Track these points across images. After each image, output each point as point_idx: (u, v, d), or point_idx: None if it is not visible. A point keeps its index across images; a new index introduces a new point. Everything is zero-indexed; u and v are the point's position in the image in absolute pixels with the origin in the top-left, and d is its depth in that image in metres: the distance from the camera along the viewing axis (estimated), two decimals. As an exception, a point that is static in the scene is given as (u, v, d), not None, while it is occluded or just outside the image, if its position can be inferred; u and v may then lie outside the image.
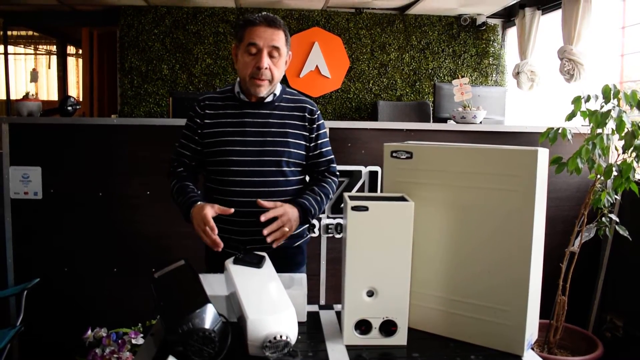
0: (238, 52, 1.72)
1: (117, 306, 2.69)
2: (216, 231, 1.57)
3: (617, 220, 2.33)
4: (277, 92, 1.78)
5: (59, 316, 2.72)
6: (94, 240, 2.74)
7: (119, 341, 2.45)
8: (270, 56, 1.68)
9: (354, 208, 1.32)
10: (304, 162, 1.81)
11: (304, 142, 1.78)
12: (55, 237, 2.72)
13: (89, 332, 2.54)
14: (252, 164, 1.72)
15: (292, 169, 1.77)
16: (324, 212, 1.96)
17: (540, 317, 2.51)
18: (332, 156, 1.86)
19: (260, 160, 1.72)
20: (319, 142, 1.80)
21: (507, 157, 1.32)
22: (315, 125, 1.79)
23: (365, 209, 1.32)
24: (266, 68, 1.66)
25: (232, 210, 1.61)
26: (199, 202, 1.65)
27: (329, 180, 1.83)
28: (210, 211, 1.58)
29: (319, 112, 1.82)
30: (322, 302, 2.81)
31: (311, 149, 1.80)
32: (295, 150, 1.75)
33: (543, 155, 1.31)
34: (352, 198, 1.36)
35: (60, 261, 2.73)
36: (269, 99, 1.76)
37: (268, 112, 1.75)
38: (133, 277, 2.66)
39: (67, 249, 2.73)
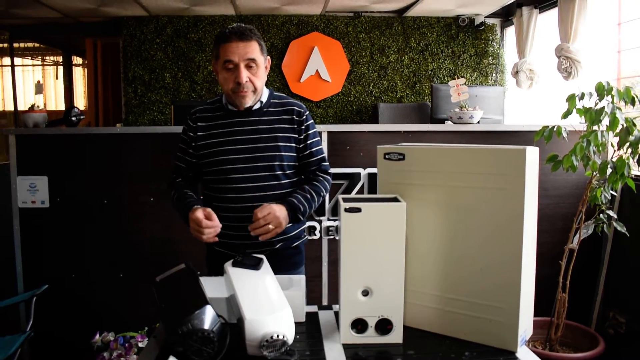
0: (217, 68, 1.76)
1: (124, 310, 2.74)
2: (218, 225, 1.64)
3: (615, 216, 2.34)
4: (264, 98, 1.81)
5: (68, 321, 2.77)
6: (101, 246, 2.79)
7: (126, 345, 2.50)
8: (248, 68, 1.71)
9: (347, 210, 1.35)
10: (297, 164, 1.84)
11: (294, 145, 1.81)
12: (63, 244, 2.77)
13: (97, 336, 2.60)
14: (246, 170, 1.76)
15: (285, 172, 1.80)
16: (315, 209, 1.98)
17: (542, 315, 2.55)
18: (324, 155, 1.88)
19: (254, 167, 1.76)
20: (308, 142, 1.83)
21: (496, 157, 1.35)
22: (303, 127, 1.82)
23: (358, 210, 1.35)
24: (246, 81, 1.70)
25: (218, 221, 1.66)
26: (195, 206, 1.70)
27: (320, 178, 1.85)
28: (201, 213, 1.63)
29: (307, 113, 1.85)
30: (325, 303, 2.84)
31: (301, 150, 1.83)
32: (287, 154, 1.79)
33: (532, 153, 1.34)
34: (345, 200, 1.39)
35: (68, 267, 2.78)
36: (257, 106, 1.80)
37: (257, 119, 1.79)
38: (139, 282, 2.70)
39: (74, 255, 2.78)
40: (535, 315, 2.43)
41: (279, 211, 1.67)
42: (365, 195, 2.66)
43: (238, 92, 1.71)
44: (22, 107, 5.29)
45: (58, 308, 2.75)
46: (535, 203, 1.40)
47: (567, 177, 2.82)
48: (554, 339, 2.48)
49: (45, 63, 7.11)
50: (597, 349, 2.44)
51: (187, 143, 1.84)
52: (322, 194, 1.82)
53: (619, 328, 2.77)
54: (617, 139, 2.20)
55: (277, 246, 1.80)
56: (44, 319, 2.62)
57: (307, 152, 1.84)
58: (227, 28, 1.73)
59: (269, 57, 1.83)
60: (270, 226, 1.64)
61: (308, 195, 1.77)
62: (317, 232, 2.82)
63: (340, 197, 1.43)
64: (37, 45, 6.37)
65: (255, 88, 1.73)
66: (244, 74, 1.69)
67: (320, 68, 4.89)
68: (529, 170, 1.32)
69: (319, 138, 1.89)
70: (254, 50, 1.71)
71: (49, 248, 2.77)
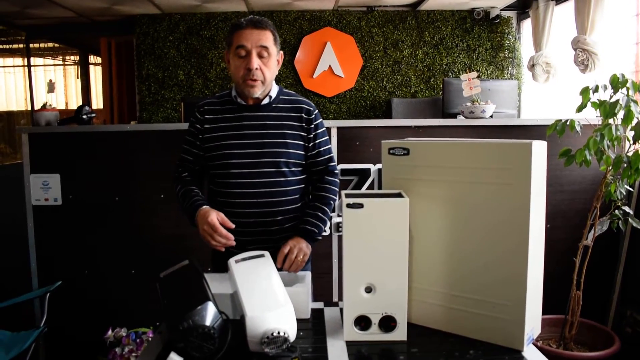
0: (230, 57, 1.75)
1: (136, 306, 2.76)
2: (231, 237, 1.64)
3: (631, 212, 2.28)
4: (274, 94, 1.79)
5: (81, 317, 2.81)
6: (112, 243, 2.82)
7: (138, 340, 2.52)
8: (260, 57, 1.70)
9: (349, 205, 1.34)
10: (304, 162, 1.82)
11: (302, 143, 1.79)
12: (76, 241, 2.81)
13: (110, 332, 2.62)
14: (252, 165, 1.75)
15: (291, 169, 1.79)
16: (331, 217, 1.99)
17: (557, 312, 2.49)
18: (331, 154, 1.87)
19: (259, 162, 1.75)
20: (317, 141, 1.82)
21: (502, 151, 1.32)
22: (312, 125, 1.80)
23: (360, 206, 1.34)
24: (256, 68, 1.68)
25: (234, 225, 1.67)
26: (204, 207, 1.69)
27: (327, 186, 1.84)
28: (215, 216, 1.64)
29: (316, 111, 1.83)
30: (335, 299, 2.83)
31: (309, 149, 1.81)
32: (294, 151, 1.78)
33: (539, 148, 1.31)
34: (348, 196, 1.38)
35: (81, 264, 2.82)
36: (266, 101, 1.78)
37: (265, 114, 1.78)
38: (150, 278, 2.71)
39: (87, 252, 2.81)
40: (550, 313, 2.42)
41: (299, 243, 1.72)
42: (369, 191, 2.64)
43: (247, 80, 1.70)
44: (40, 106, 5.37)
45: (71, 304, 2.79)
46: (542, 199, 1.37)
47: (583, 172, 2.76)
48: (568, 337, 2.43)
49: (64, 63, 7.21)
50: (613, 347, 2.38)
51: (194, 135, 1.82)
52: (332, 203, 1.84)
53: (636, 327, 2.71)
54: (633, 133, 2.14)
55: (281, 244, 1.79)
56: (58, 315, 2.66)
57: (315, 151, 1.82)
58: (242, 18, 1.73)
59: (282, 52, 1.81)
60: (299, 258, 1.68)
61: (319, 213, 1.79)
62: (327, 228, 2.80)
63: (343, 193, 1.41)
64: (55, 45, 6.47)
65: (265, 78, 1.72)
66: (255, 61, 1.68)
67: (333, 63, 4.87)
68: (536, 165, 1.29)
69: (327, 137, 1.87)
70: (268, 38, 1.70)
71: (62, 245, 2.80)
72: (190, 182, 1.83)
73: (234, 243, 1.65)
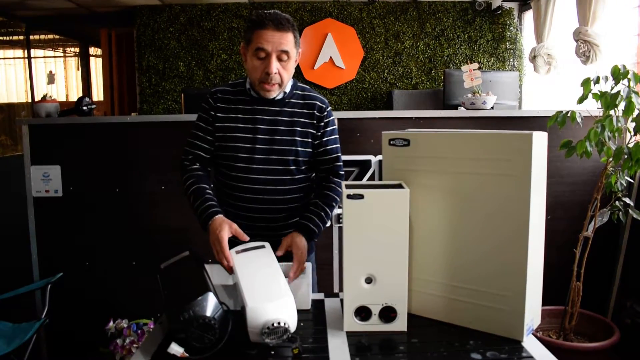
0: (247, 53, 1.69)
1: (137, 298, 2.77)
2: (232, 260, 1.52)
3: (632, 203, 2.28)
4: (288, 89, 1.75)
5: (82, 308, 2.82)
6: (113, 235, 2.82)
7: (139, 332, 2.54)
8: (279, 60, 1.64)
9: (350, 196, 1.34)
10: (312, 160, 1.79)
11: (310, 140, 1.76)
12: (76, 233, 2.81)
13: (111, 323, 2.64)
14: (260, 161, 1.72)
15: (300, 167, 1.76)
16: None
17: (557, 304, 2.50)
18: (339, 154, 1.82)
19: (268, 159, 1.72)
20: (324, 139, 1.78)
21: (502, 142, 1.32)
22: (322, 123, 1.77)
23: (361, 197, 1.34)
24: (275, 73, 1.64)
25: (248, 238, 1.58)
26: (218, 216, 1.62)
27: (333, 186, 1.79)
28: (227, 232, 1.56)
29: (329, 109, 1.79)
30: (336, 290, 2.84)
31: (316, 146, 1.78)
32: (303, 149, 1.75)
33: (539, 139, 1.31)
34: (348, 186, 1.38)
35: (82, 256, 2.82)
36: (280, 96, 1.73)
37: (278, 109, 1.73)
38: (151, 270, 2.72)
39: (87, 244, 2.82)
40: (550, 304, 2.43)
41: (300, 242, 1.64)
42: (369, 182, 2.63)
43: (265, 83, 1.66)
44: (40, 98, 5.36)
45: (72, 295, 2.80)
46: (543, 190, 1.37)
47: (584, 163, 2.75)
48: (568, 328, 2.44)
49: (64, 54, 7.18)
50: (612, 338, 2.39)
51: (208, 122, 1.75)
52: (334, 204, 1.79)
53: (636, 318, 2.71)
54: (634, 124, 2.13)
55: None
56: (59, 307, 2.66)
57: (322, 149, 1.78)
58: (264, 13, 1.64)
59: (300, 50, 1.75)
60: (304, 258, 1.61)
61: (322, 213, 1.73)
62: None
63: (343, 183, 1.42)
64: (56, 37, 6.45)
65: (283, 81, 1.67)
66: (274, 65, 1.63)
67: (334, 55, 4.85)
68: (536, 155, 1.29)
69: (337, 137, 1.83)
70: (289, 42, 1.64)
71: (63, 237, 2.81)
72: (201, 178, 1.74)
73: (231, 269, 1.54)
